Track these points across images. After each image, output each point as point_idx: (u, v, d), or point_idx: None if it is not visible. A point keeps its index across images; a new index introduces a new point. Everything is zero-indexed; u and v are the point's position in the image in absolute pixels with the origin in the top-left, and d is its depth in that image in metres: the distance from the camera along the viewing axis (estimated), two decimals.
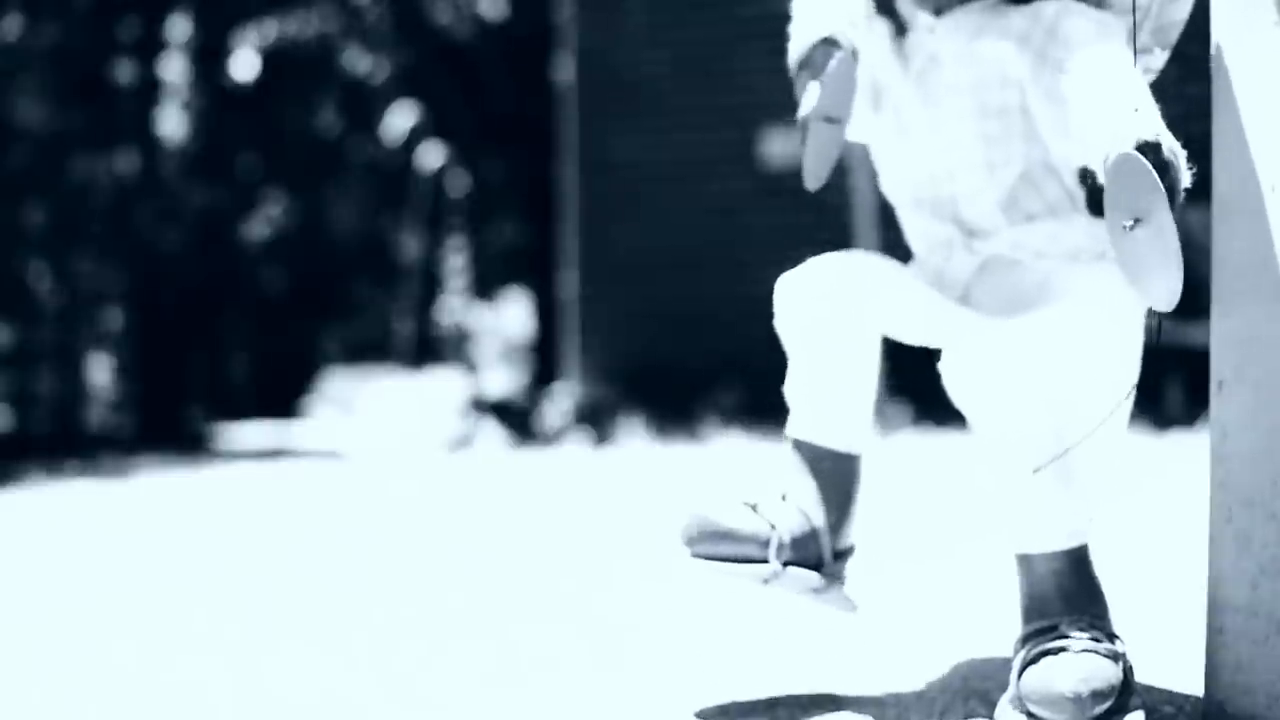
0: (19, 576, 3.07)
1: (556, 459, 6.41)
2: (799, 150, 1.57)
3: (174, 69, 14.67)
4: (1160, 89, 1.36)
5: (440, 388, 13.09)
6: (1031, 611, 1.42)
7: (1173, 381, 6.04)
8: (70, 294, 14.27)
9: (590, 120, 9.20)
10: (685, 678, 1.76)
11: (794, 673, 1.75)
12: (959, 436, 5.27)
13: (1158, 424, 5.63)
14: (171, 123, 14.72)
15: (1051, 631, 1.38)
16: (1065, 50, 1.48)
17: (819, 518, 1.56)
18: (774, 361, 1.62)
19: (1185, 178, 1.26)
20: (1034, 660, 1.35)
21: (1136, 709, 1.33)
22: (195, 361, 15.45)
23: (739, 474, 4.85)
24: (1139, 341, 1.50)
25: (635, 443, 7.26)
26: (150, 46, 13.98)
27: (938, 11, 1.61)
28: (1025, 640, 1.39)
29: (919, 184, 1.66)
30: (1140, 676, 1.42)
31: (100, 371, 15.28)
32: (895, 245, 1.84)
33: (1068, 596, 1.41)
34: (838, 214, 7.18)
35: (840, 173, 1.77)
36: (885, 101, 1.67)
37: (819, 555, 1.55)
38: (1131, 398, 1.53)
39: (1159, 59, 1.53)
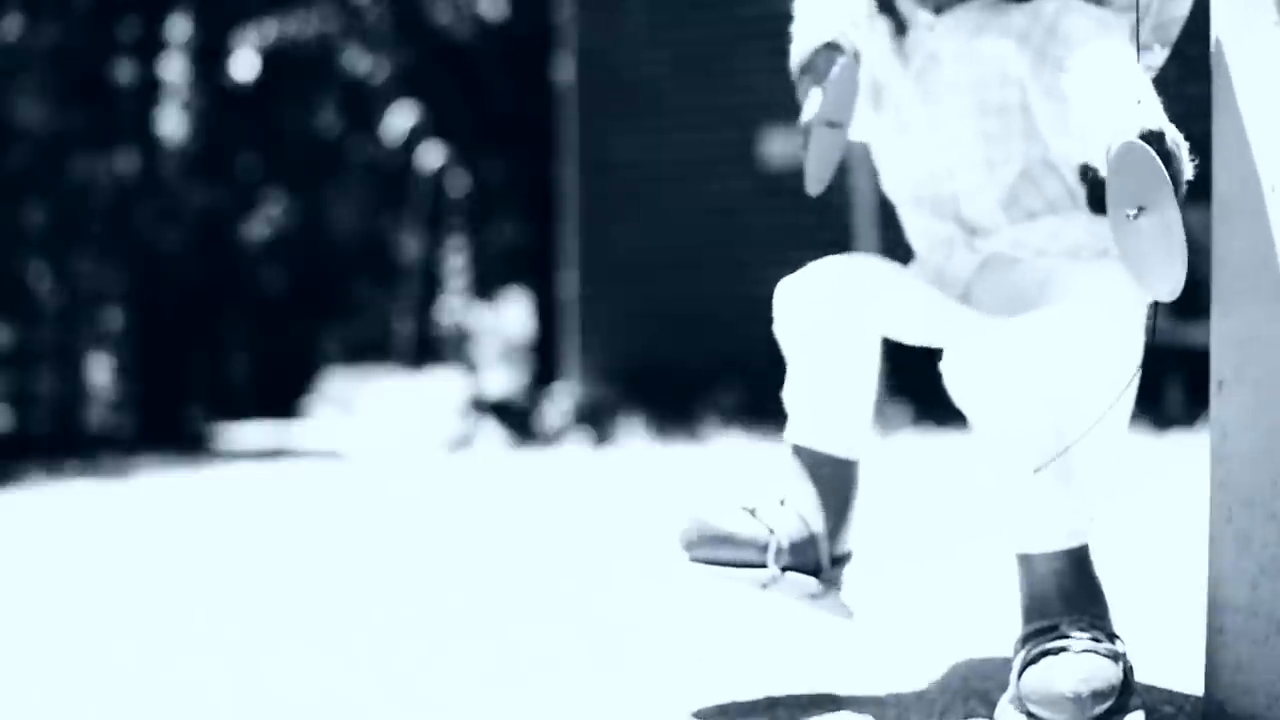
0: (19, 576, 3.07)
1: (556, 459, 6.41)
2: (801, 153, 1.57)
3: (174, 69, 14.67)
4: (1160, 89, 1.36)
5: (440, 388, 13.09)
6: (1032, 611, 1.42)
7: (1173, 381, 6.04)
8: (70, 294, 14.27)
9: (590, 120, 9.20)
10: (685, 678, 1.76)
11: (794, 673, 1.75)
12: (959, 436, 5.27)
13: (1158, 424, 5.63)
14: (171, 123, 14.72)
15: (1052, 631, 1.38)
16: (1065, 48, 1.48)
17: (817, 523, 1.55)
18: (774, 361, 1.62)
19: (1188, 169, 1.26)
20: (1034, 660, 1.35)
21: (1136, 709, 1.33)
22: (195, 361, 15.45)
23: (739, 474, 4.85)
24: (1140, 339, 1.50)
25: (635, 443, 7.26)
26: (150, 46, 13.98)
27: (938, 10, 1.61)
28: (1025, 640, 1.39)
29: (919, 182, 1.66)
30: (1140, 676, 1.42)
31: (100, 371, 15.28)
32: (896, 245, 1.84)
33: (1068, 596, 1.41)
34: (838, 214, 7.18)
35: (840, 173, 1.77)
36: (886, 100, 1.67)
37: (817, 561, 1.55)
38: (1133, 396, 1.53)
39: (1159, 56, 1.53)
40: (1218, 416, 1.38)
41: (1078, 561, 1.43)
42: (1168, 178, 1.22)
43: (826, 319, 1.55)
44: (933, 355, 1.63)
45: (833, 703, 1.59)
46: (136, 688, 1.81)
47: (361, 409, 14.47)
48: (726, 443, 6.72)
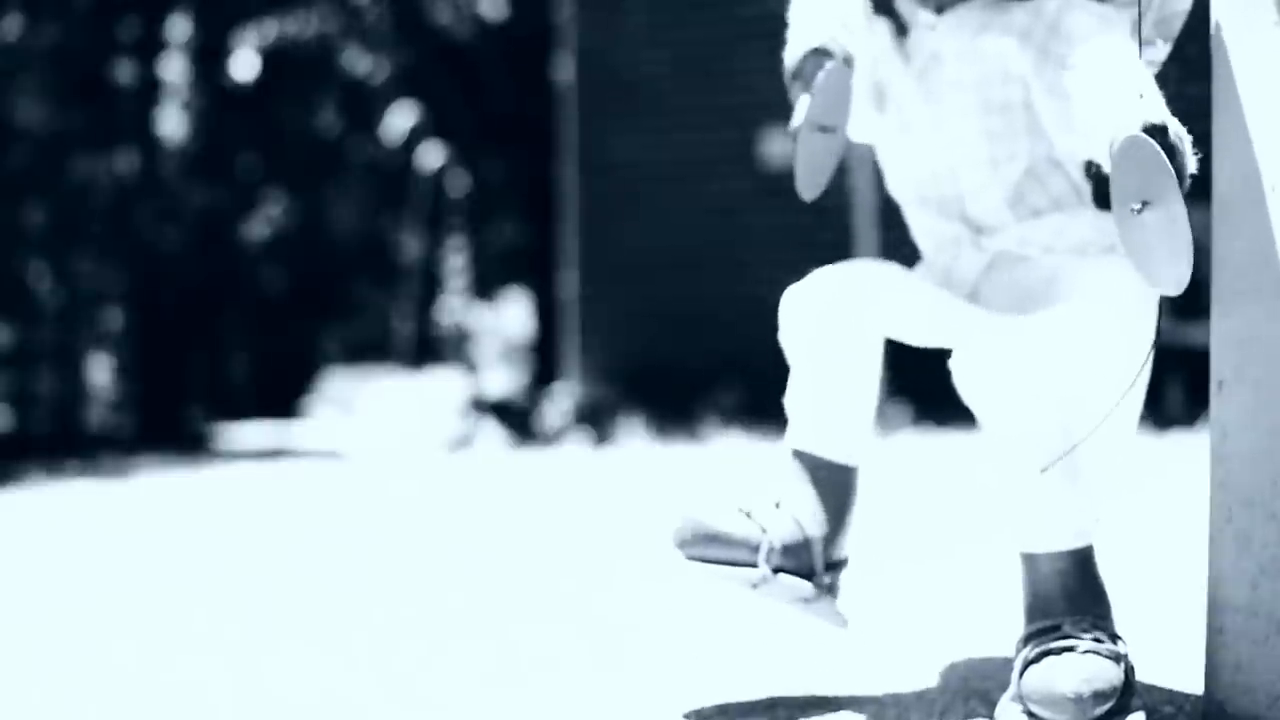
0: (19, 576, 3.07)
1: (556, 459, 6.41)
2: (792, 159, 1.57)
3: (174, 69, 14.67)
4: (1161, 87, 1.36)
5: (440, 388, 13.09)
6: (1035, 611, 1.42)
7: (1173, 381, 6.04)
8: (70, 294, 14.27)
9: (590, 120, 9.20)
10: (685, 678, 1.76)
11: (794, 673, 1.75)
12: (959, 436, 5.27)
13: (1158, 424, 5.63)
14: (171, 123, 14.72)
15: (1054, 631, 1.38)
16: (1067, 45, 1.48)
17: (813, 527, 1.55)
18: (774, 361, 1.62)
19: (1192, 163, 1.26)
20: (1036, 660, 1.35)
21: (1137, 710, 1.33)
22: (195, 361, 15.46)
23: (739, 474, 4.85)
24: (1149, 337, 1.50)
25: (635, 443, 7.26)
26: (150, 46, 13.98)
27: (939, 9, 1.61)
28: (1028, 640, 1.39)
29: (923, 182, 1.66)
30: (1140, 676, 1.42)
31: (100, 371, 15.29)
32: (896, 245, 1.84)
33: (1071, 596, 1.41)
34: (838, 214, 7.19)
35: (840, 174, 1.77)
36: (888, 100, 1.67)
37: (810, 565, 1.54)
38: (1142, 396, 1.53)
39: (1162, 51, 1.53)
40: (1218, 416, 1.38)
41: (1082, 562, 1.43)
42: (1171, 171, 1.22)
43: (830, 326, 1.55)
44: (933, 355, 1.63)
45: (833, 703, 1.59)
46: (136, 688, 1.81)
47: (361, 409, 14.47)
48: (726, 443, 6.72)
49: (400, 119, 15.91)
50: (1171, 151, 1.24)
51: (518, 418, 9.12)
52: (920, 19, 1.63)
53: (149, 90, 14.04)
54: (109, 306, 14.78)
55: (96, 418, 14.82)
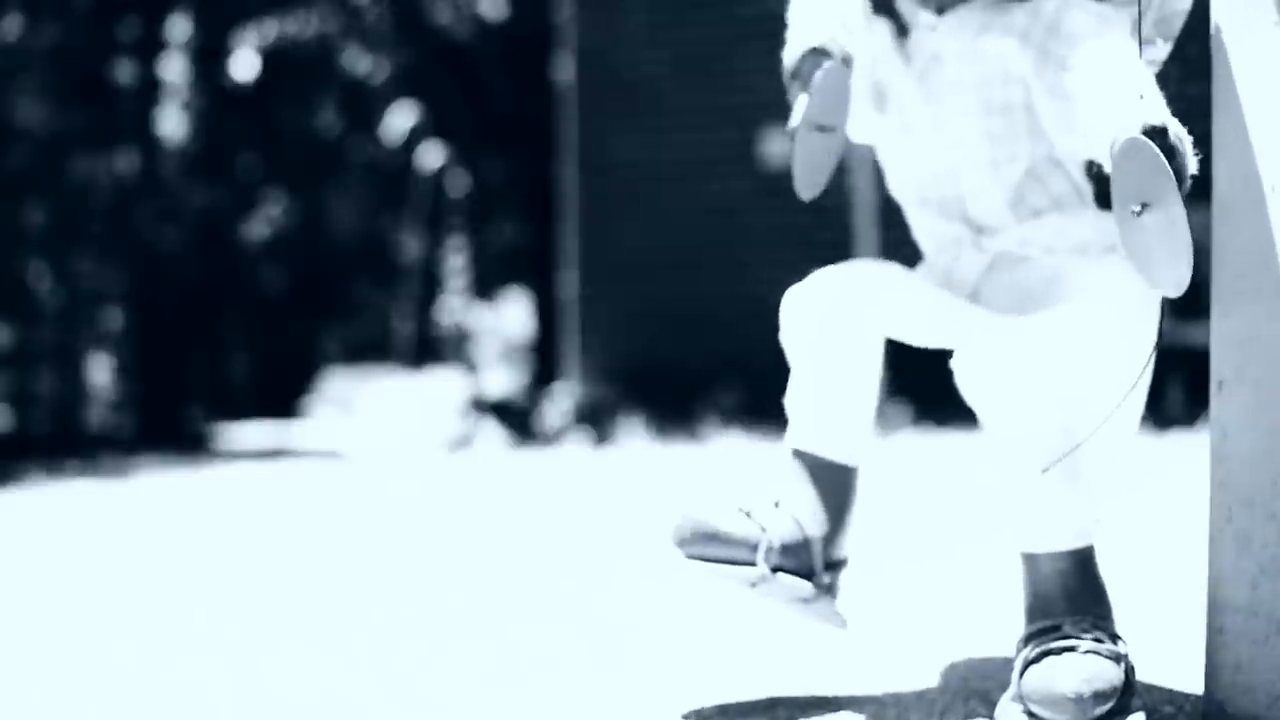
0: (19, 576, 3.07)
1: (556, 459, 6.41)
2: (790, 158, 1.57)
3: (174, 69, 14.67)
4: (1161, 87, 1.36)
5: (440, 388, 13.09)
6: (1035, 611, 1.42)
7: (1173, 381, 6.03)
8: (70, 294, 14.27)
9: (590, 120, 9.20)
10: (685, 678, 1.76)
11: (794, 673, 1.75)
12: (959, 436, 5.27)
13: (1158, 424, 5.63)
14: (171, 123, 14.72)
15: (1054, 631, 1.38)
16: (1067, 46, 1.48)
17: (812, 527, 1.55)
18: (774, 361, 1.62)
19: (1192, 164, 1.26)
20: (1036, 660, 1.35)
21: (1137, 710, 1.33)
22: (195, 361, 15.45)
23: (739, 474, 4.85)
24: (1151, 338, 1.50)
25: (635, 443, 7.26)
26: (150, 46, 13.98)
27: (940, 10, 1.61)
28: (1028, 640, 1.39)
29: (924, 183, 1.66)
30: (1140, 676, 1.42)
31: (100, 371, 15.29)
32: (896, 245, 1.84)
33: (1072, 597, 1.41)
34: (838, 214, 7.19)
35: (840, 173, 1.77)
36: (889, 101, 1.67)
37: (810, 564, 1.54)
38: (1144, 397, 1.53)
39: (1162, 50, 1.53)
40: (1218, 416, 1.38)
41: (1082, 562, 1.43)
42: (1171, 173, 1.22)
43: (831, 326, 1.55)
44: (933, 355, 1.63)
45: (833, 703, 1.59)
46: (136, 688, 1.81)
47: (361, 409, 14.47)
48: (726, 443, 6.72)
49: (400, 119, 15.91)
50: (1171, 153, 1.24)
51: (518, 418, 9.12)
52: (921, 20, 1.63)
53: (149, 90, 14.04)
54: (109, 306, 14.78)
55: (96, 418, 14.81)
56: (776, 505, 1.55)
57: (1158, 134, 1.25)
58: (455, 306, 18.74)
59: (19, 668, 1.99)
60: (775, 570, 1.51)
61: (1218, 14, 1.38)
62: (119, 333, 14.78)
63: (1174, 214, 1.22)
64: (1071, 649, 1.34)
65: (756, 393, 6.94)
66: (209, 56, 14.59)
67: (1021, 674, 1.36)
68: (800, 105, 1.54)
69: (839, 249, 7.18)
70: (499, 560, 3.02)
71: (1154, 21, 1.52)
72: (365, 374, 16.91)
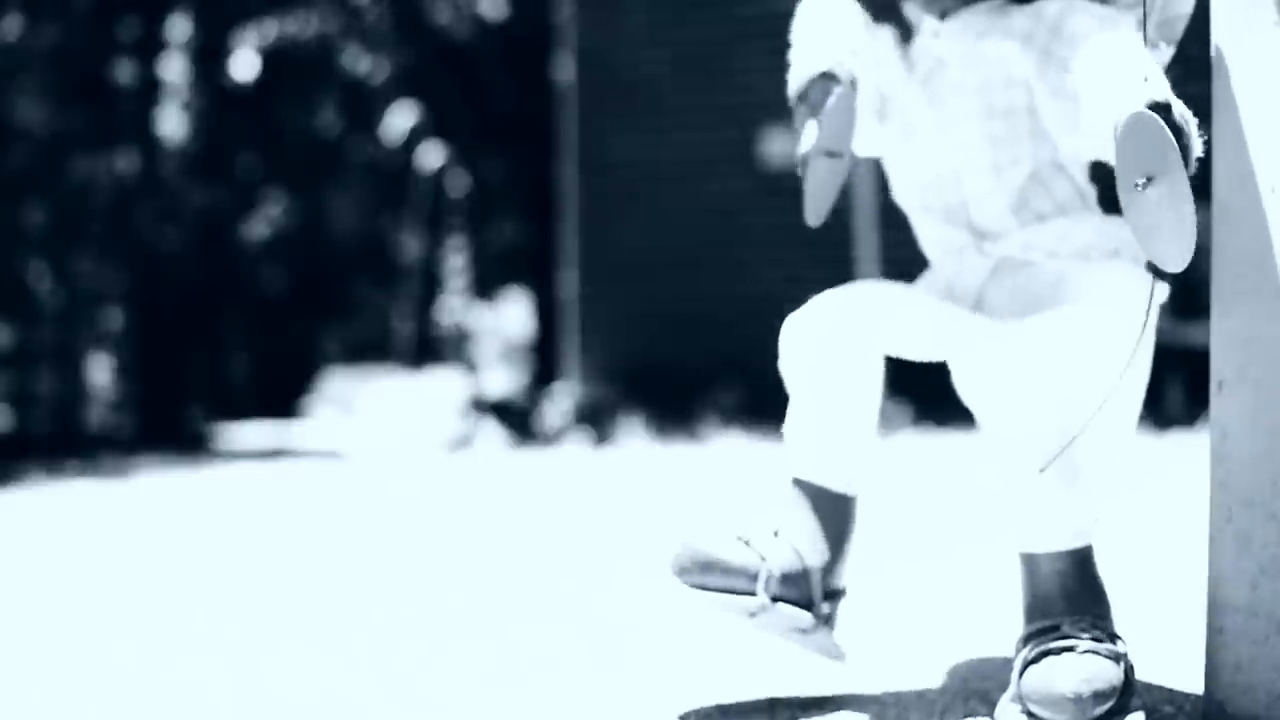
0: (19, 576, 3.07)
1: (556, 459, 6.41)
2: (800, 184, 1.58)
3: (174, 69, 14.67)
4: None
5: (440, 388, 13.09)
6: (1034, 611, 1.42)
7: (1173, 381, 6.04)
8: (70, 294, 14.27)
9: (590, 120, 9.20)
10: (685, 678, 1.76)
11: (794, 673, 1.75)
12: (959, 436, 5.27)
13: (1158, 424, 5.63)
14: (171, 123, 14.72)
15: (1054, 631, 1.38)
16: (1070, 47, 1.48)
17: (812, 557, 1.54)
18: (774, 361, 1.62)
19: (1198, 145, 1.26)
20: (1036, 660, 1.35)
21: (1137, 710, 1.33)
22: (195, 361, 15.45)
23: (739, 474, 4.85)
24: (1150, 341, 1.51)
25: (635, 443, 7.25)
26: (150, 46, 13.98)
27: (942, 15, 1.61)
28: (1027, 640, 1.39)
29: (927, 188, 1.65)
30: (1140, 676, 1.42)
31: (100, 371, 15.29)
32: (896, 246, 1.84)
33: (1071, 597, 1.41)
34: (838, 214, 7.16)
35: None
36: (891, 109, 1.67)
37: (809, 595, 1.53)
38: (1140, 398, 1.53)
39: (1165, 54, 1.53)
40: (1218, 416, 1.38)
41: (1081, 562, 1.43)
42: (1175, 145, 1.21)
43: (831, 353, 1.54)
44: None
45: (833, 703, 1.59)
46: (136, 688, 1.81)
47: (361, 409, 14.47)
48: (726, 443, 6.72)
49: (400, 119, 15.91)
50: (1177, 130, 1.24)
51: (518, 418, 9.11)
52: (925, 25, 1.63)
53: (149, 90, 14.04)
54: (109, 306, 14.78)
55: (96, 418, 14.81)
56: (776, 534, 1.55)
57: (1162, 110, 1.25)
58: (455, 306, 18.75)
59: (19, 668, 1.99)
60: (775, 600, 1.51)
61: (1218, 14, 1.38)
62: (119, 333, 14.79)
63: (1179, 187, 1.21)
64: (1070, 649, 1.34)
65: (756, 393, 6.94)
66: (209, 56, 14.59)
67: (1021, 674, 1.36)
68: (810, 132, 1.55)
69: (839, 249, 7.18)
70: (499, 560, 3.02)
71: (1156, 25, 1.52)
72: (365, 374, 16.91)
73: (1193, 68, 1.47)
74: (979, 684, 1.65)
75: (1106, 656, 1.34)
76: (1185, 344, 3.59)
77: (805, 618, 1.53)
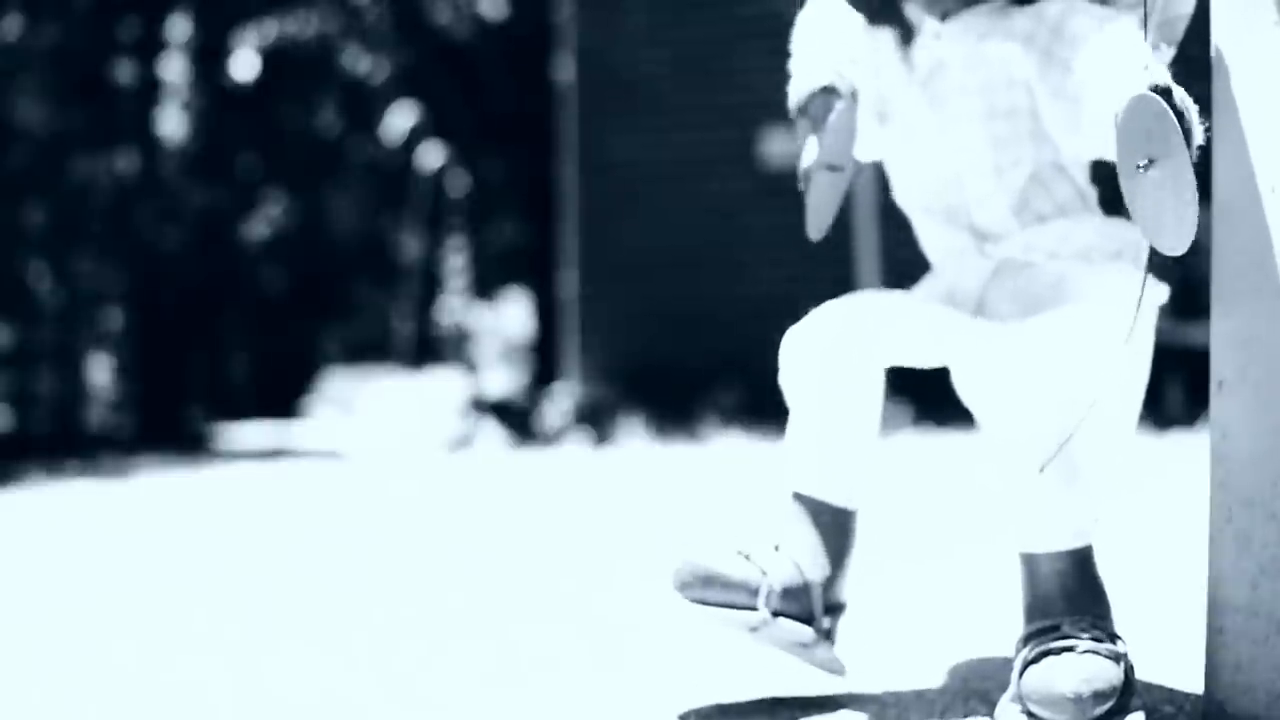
0: (19, 576, 3.07)
1: (556, 459, 6.42)
2: (803, 197, 1.59)
3: (174, 69, 14.68)
4: None
5: (440, 388, 13.10)
6: (1034, 611, 1.42)
7: (1173, 381, 6.04)
8: (70, 294, 14.28)
9: (590, 120, 9.20)
10: (685, 678, 1.76)
11: (794, 673, 1.75)
12: (959, 436, 5.27)
13: (1158, 424, 5.63)
14: (171, 123, 14.73)
15: (1054, 631, 1.38)
16: (1071, 48, 1.48)
17: (813, 571, 1.54)
18: (773, 361, 1.62)
19: (1199, 131, 1.25)
20: (1036, 660, 1.35)
21: (1137, 710, 1.33)
22: (195, 361, 15.46)
23: (739, 474, 4.85)
24: (1149, 343, 1.51)
25: (635, 443, 7.26)
26: (150, 46, 13.99)
27: (943, 16, 1.61)
28: (1027, 640, 1.39)
29: (929, 190, 1.65)
30: (1140, 676, 1.42)
31: (100, 371, 15.30)
32: (896, 245, 1.84)
33: (1071, 597, 1.41)
34: (838, 214, 7.18)
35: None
36: (892, 112, 1.66)
37: (810, 609, 1.53)
38: (1140, 398, 1.54)
39: (1166, 55, 1.53)
40: (1218, 416, 1.38)
41: (1081, 562, 1.43)
42: (1178, 126, 1.21)
43: (832, 367, 1.55)
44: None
45: (833, 703, 1.59)
46: (136, 688, 1.81)
47: (361, 409, 14.48)
48: (726, 442, 6.72)
49: (400, 119, 15.92)
50: (1178, 115, 1.23)
51: (518, 418, 9.12)
52: (926, 26, 1.63)
53: (149, 90, 14.05)
54: (109, 306, 14.79)
55: (96, 418, 14.82)
56: (777, 549, 1.55)
57: (1164, 93, 1.24)
58: (455, 306, 18.76)
59: (19, 668, 1.99)
60: (776, 615, 1.51)
61: (1218, 14, 1.38)
62: (119, 333, 14.80)
63: (1181, 169, 1.20)
64: (1070, 649, 1.34)
65: (756, 392, 6.94)
66: (209, 56, 14.60)
67: (1021, 674, 1.36)
68: (812, 146, 1.56)
69: (839, 248, 7.18)
70: (499, 560, 3.02)
71: (1157, 26, 1.52)
72: (365, 374, 16.93)
73: (1193, 68, 1.47)
74: (979, 684, 1.65)
75: (1106, 656, 1.34)
76: (1185, 344, 3.59)
77: (806, 632, 1.53)
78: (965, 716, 1.50)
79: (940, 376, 1.69)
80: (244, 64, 14.91)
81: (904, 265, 2.00)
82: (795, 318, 1.61)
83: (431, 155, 16.43)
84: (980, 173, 1.60)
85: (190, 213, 14.28)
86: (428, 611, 2.36)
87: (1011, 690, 1.37)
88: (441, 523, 3.93)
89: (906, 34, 1.65)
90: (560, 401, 8.80)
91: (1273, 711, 1.30)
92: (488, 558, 3.08)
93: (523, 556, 3.08)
